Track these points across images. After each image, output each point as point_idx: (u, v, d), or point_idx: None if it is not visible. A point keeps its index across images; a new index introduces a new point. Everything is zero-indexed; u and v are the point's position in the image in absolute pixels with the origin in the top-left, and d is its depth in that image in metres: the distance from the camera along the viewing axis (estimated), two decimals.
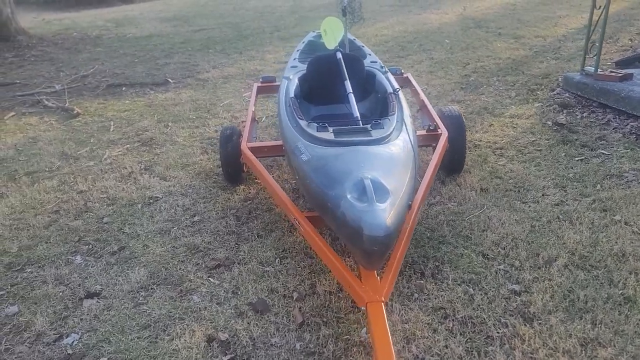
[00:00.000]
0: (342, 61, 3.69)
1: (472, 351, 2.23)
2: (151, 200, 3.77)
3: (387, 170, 2.34)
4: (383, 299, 2.16)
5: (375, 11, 12.93)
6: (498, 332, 2.31)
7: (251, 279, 2.78)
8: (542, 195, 3.44)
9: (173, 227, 3.38)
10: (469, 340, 2.29)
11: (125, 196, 3.83)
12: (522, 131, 4.68)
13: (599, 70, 5.42)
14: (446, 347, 2.25)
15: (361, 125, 2.81)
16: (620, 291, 2.51)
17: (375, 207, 1.98)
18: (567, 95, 5.62)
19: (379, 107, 3.66)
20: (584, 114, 5.04)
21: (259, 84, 4.79)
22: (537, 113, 5.16)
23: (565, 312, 2.41)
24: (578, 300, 2.48)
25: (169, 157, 4.54)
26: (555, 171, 3.79)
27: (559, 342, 2.25)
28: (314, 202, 2.45)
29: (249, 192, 3.78)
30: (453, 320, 2.40)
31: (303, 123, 2.90)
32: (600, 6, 5.38)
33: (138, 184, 4.04)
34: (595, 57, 5.36)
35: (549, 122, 4.88)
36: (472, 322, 2.38)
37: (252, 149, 3.52)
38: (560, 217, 3.15)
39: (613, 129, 4.60)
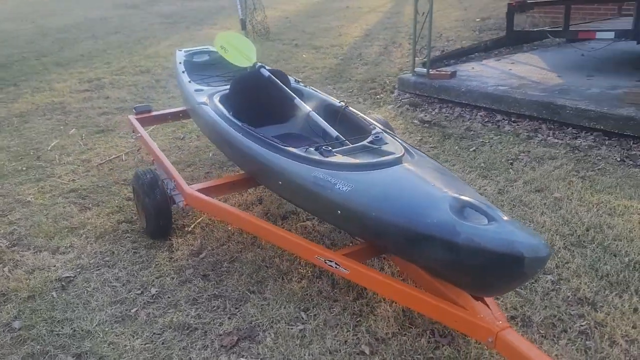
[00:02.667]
0: (274, 78, 3.33)
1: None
2: (64, 283, 2.81)
3: (451, 184, 2.18)
4: (505, 323, 1.99)
5: (146, 30, 12.14)
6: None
7: (296, 344, 2.29)
8: (479, 187, 3.66)
9: (131, 309, 2.58)
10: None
11: (17, 286, 2.78)
12: (401, 132, 4.92)
13: (430, 71, 6.04)
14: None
15: (364, 143, 2.57)
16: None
17: (515, 225, 1.81)
18: (407, 95, 6.13)
19: (312, 123, 3.41)
20: (435, 110, 5.56)
21: (137, 117, 4.02)
22: (397, 114, 5.49)
23: None
24: None
25: (36, 223, 3.46)
26: (467, 163, 4.08)
27: None
28: (384, 236, 2.11)
29: (192, 244, 3.12)
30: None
31: (300, 150, 2.51)
32: (423, 13, 5.99)
33: (20, 266, 2.98)
34: (425, 59, 5.97)
35: (416, 121, 5.24)
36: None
37: (204, 191, 2.92)
38: (515, 203, 3.39)
39: (469, 120, 5.17)
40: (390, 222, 2.02)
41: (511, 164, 4.00)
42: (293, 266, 2.84)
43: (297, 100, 3.15)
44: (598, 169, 3.76)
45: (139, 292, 2.71)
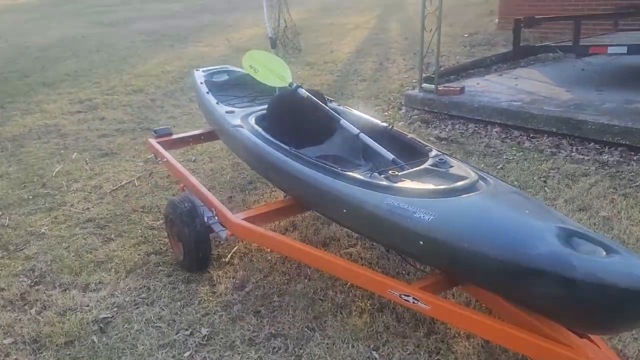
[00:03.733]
0: (313, 98, 3.17)
1: None
2: (102, 325, 2.58)
3: (544, 210, 2.06)
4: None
5: (129, 48, 11.86)
6: None
7: None
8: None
9: (183, 353, 2.36)
10: None
11: (50, 331, 2.53)
12: None
13: (438, 87, 5.98)
14: None
15: (427, 166, 2.44)
16: None
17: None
18: (415, 112, 6.05)
19: (360, 144, 3.27)
20: (449, 127, 5.48)
21: (157, 140, 3.81)
22: (410, 131, 5.38)
23: None
24: None
25: (57, 257, 3.21)
26: (512, 178, 3.98)
27: None
28: (477, 269, 1.96)
29: (233, 276, 2.92)
30: None
31: (363, 175, 2.36)
32: (431, 29, 5.94)
33: (49, 307, 2.73)
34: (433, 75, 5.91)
35: (432, 138, 5.15)
36: None
37: (251, 219, 2.73)
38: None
39: (485, 136, 5.11)
40: (485, 254, 1.87)
41: (544, 181, 3.92)
42: (349, 298, 2.67)
43: (343, 121, 3.00)
44: (636, 186, 3.70)
45: (188, 332, 2.50)
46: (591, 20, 6.22)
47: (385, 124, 3.11)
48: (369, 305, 2.60)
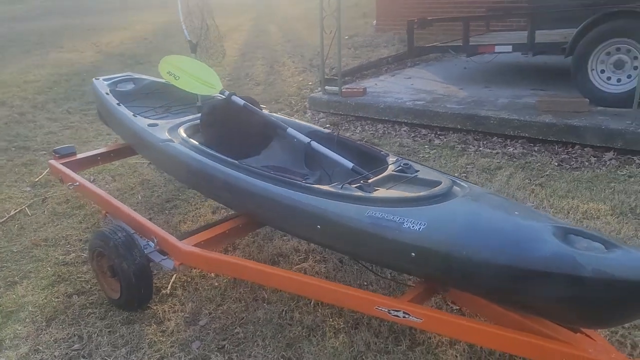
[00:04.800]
0: (251, 106, 2.93)
1: None
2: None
3: (529, 210, 2.07)
4: (619, 354, 1.90)
5: None
6: None
7: None
8: None
9: None
10: None
11: None
12: None
13: (342, 88, 5.99)
14: None
15: (392, 173, 2.35)
16: None
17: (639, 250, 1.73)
18: (321, 115, 6.00)
19: (305, 153, 3.10)
20: (359, 128, 5.51)
21: (62, 161, 3.28)
22: None
23: None
24: None
25: None
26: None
27: None
28: (477, 276, 1.89)
29: (181, 309, 2.59)
30: None
31: (333, 187, 2.21)
32: (330, 31, 5.93)
33: None
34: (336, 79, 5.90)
35: None
36: None
37: (202, 244, 2.43)
38: None
39: (396, 136, 5.20)
40: (485, 259, 1.81)
41: (466, 176, 4.05)
42: (318, 318, 2.49)
43: (290, 129, 2.80)
44: (546, 175, 3.97)
45: None
46: (474, 22, 6.64)
47: (328, 131, 2.97)
48: (341, 323, 2.45)
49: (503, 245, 1.78)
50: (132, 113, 3.14)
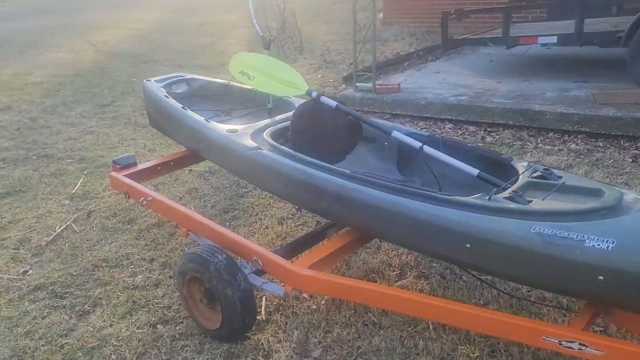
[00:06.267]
0: (342, 107, 2.64)
1: None
2: None
3: None
4: None
5: None
6: None
7: None
8: None
9: None
10: None
11: None
12: None
13: (376, 85, 5.72)
14: None
15: (530, 180, 2.09)
16: None
17: None
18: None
19: (389, 156, 2.83)
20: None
21: (123, 173, 2.96)
22: None
23: None
24: None
25: (17, 351, 2.29)
26: None
27: None
28: None
29: (287, 338, 2.30)
30: None
31: (478, 199, 1.94)
32: (365, 25, 5.66)
33: None
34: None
35: None
36: None
37: (317, 265, 2.14)
38: None
39: (443, 134, 4.95)
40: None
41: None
42: (446, 347, 2.22)
43: (396, 132, 2.51)
44: (626, 173, 3.75)
45: None
46: (517, 13, 6.45)
47: (428, 133, 2.69)
48: (476, 351, 2.18)
49: None
50: (204, 118, 2.83)
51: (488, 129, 4.90)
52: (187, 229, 2.56)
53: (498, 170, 2.31)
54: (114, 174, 3.02)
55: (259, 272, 2.31)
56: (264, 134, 2.63)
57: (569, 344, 1.74)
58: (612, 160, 3.98)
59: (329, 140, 2.71)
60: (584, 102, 4.73)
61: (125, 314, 2.52)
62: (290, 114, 2.90)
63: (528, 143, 4.52)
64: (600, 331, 2.24)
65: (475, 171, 2.25)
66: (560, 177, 2.11)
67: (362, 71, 6.39)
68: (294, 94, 2.82)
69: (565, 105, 4.70)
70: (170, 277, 2.79)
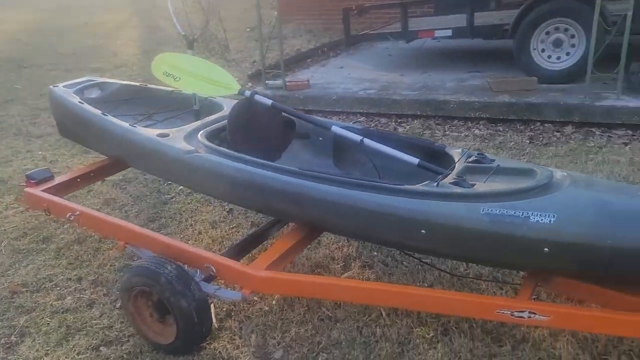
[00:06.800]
0: (281, 105, 2.62)
1: None
2: None
3: (633, 187, 2.06)
4: None
5: None
6: None
7: None
8: None
9: None
10: None
11: None
12: None
13: (286, 82, 5.74)
14: None
15: (468, 165, 2.22)
16: None
17: None
18: None
19: (324, 151, 2.86)
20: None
21: (40, 188, 2.69)
22: None
23: None
24: None
25: None
26: None
27: None
28: (625, 267, 1.81)
29: (244, 344, 2.25)
30: None
31: (427, 186, 2.03)
32: (270, 22, 5.65)
33: None
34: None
35: None
36: None
37: (273, 266, 2.11)
38: None
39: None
40: (635, 247, 1.76)
41: None
42: (402, 331, 2.29)
43: (336, 127, 2.53)
44: (527, 153, 4.09)
45: None
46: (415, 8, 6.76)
47: (362, 126, 2.76)
48: (430, 332, 2.28)
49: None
50: (127, 123, 2.66)
51: (398, 120, 5.10)
52: (125, 242, 2.39)
53: (434, 157, 2.42)
54: (29, 190, 2.74)
55: (209, 279, 2.23)
56: (199, 135, 2.53)
57: (520, 314, 1.88)
58: (513, 143, 4.33)
59: (266, 138, 2.68)
60: (481, 90, 5.09)
61: (60, 340, 2.31)
62: (221, 114, 2.83)
63: (436, 131, 4.77)
64: (534, 298, 2.44)
65: (415, 160, 2.34)
66: (493, 160, 2.25)
67: (269, 69, 6.36)
68: (226, 94, 2.74)
69: (466, 93, 5.02)
70: (104, 295, 2.60)
